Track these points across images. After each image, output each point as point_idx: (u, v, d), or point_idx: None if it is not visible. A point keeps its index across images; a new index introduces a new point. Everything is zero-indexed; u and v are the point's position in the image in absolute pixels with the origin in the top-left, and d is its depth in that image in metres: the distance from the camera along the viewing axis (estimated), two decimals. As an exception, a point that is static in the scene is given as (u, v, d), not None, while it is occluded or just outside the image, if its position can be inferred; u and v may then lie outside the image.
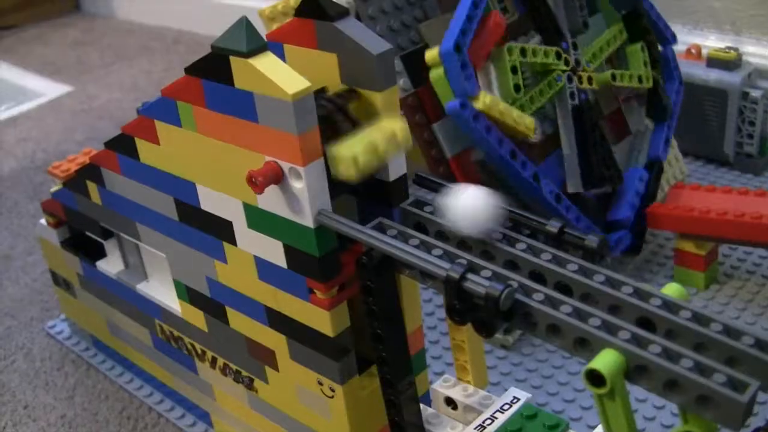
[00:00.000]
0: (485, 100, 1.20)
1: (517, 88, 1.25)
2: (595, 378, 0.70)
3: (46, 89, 2.64)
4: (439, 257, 0.81)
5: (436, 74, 1.20)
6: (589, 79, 1.36)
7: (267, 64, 0.82)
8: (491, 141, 1.21)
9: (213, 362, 1.13)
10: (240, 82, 0.85)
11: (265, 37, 0.88)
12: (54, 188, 1.29)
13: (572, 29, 1.37)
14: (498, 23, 1.25)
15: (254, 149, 0.87)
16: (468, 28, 1.20)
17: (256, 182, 0.83)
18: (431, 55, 1.20)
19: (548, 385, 1.24)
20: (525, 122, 1.24)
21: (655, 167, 1.48)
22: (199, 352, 1.15)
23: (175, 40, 2.94)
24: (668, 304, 0.75)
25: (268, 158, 0.85)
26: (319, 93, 0.89)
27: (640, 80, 1.45)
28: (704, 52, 1.74)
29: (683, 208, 1.37)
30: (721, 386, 0.66)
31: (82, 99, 2.54)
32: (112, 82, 2.64)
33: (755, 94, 1.66)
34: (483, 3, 1.22)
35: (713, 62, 1.69)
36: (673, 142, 1.60)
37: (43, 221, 1.37)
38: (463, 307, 0.77)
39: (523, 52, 1.27)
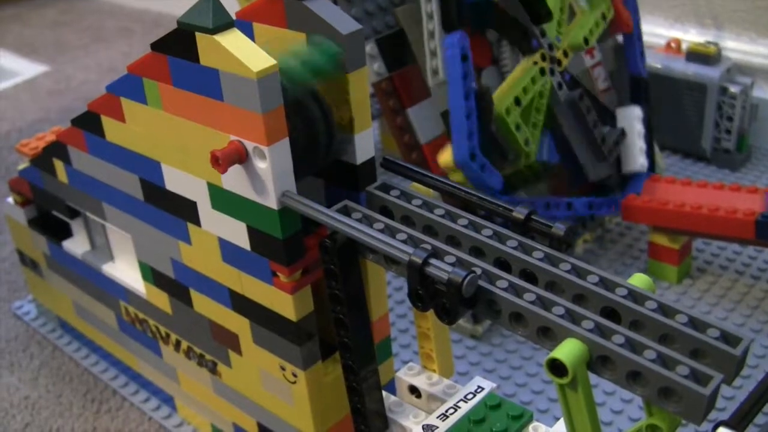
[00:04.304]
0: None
1: (526, 142, 1.24)
2: (557, 368, 0.69)
3: (23, 69, 2.60)
4: (403, 242, 0.80)
5: (457, 177, 1.20)
6: (565, 53, 1.33)
7: (232, 41, 0.80)
8: None
9: (177, 345, 1.12)
10: (205, 59, 0.83)
11: (235, 15, 0.86)
12: (21, 166, 1.27)
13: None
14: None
15: (219, 128, 0.85)
16: (472, 128, 1.18)
17: (219, 161, 0.81)
18: (446, 160, 1.19)
19: (517, 376, 1.23)
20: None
21: (641, 86, 1.47)
22: (164, 335, 1.13)
23: (155, 23, 2.91)
24: (634, 295, 0.74)
25: (232, 137, 0.84)
26: None
27: (604, 17, 1.40)
28: (684, 46, 1.73)
29: (658, 201, 1.36)
30: (683, 378, 0.65)
31: (59, 79, 2.51)
32: (90, 64, 2.61)
33: (734, 89, 1.66)
34: (472, 94, 1.20)
35: (693, 56, 1.69)
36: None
37: (10, 200, 1.35)
38: (425, 293, 0.76)
39: (517, 101, 1.24)
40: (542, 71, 1.28)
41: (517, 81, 1.25)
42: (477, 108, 1.21)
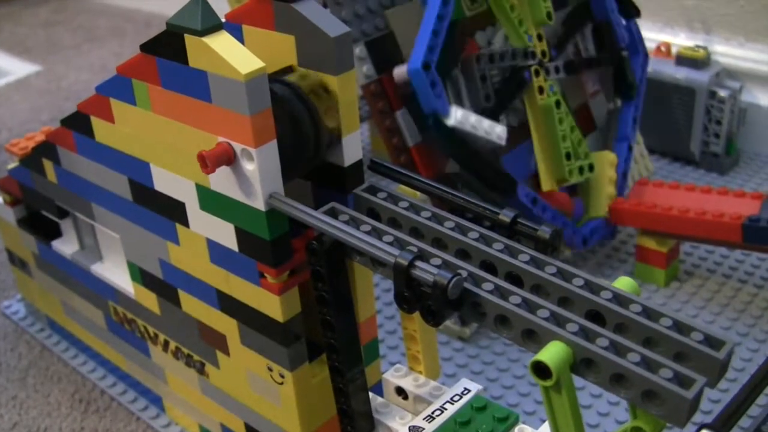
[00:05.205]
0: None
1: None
2: (541, 370, 0.70)
3: (14, 68, 2.60)
4: (390, 244, 0.80)
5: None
6: (556, 69, 1.35)
7: (221, 43, 0.81)
8: None
9: (165, 346, 1.12)
10: (194, 60, 0.83)
11: (224, 18, 0.86)
12: (11, 166, 1.27)
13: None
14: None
15: (207, 130, 0.85)
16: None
17: (207, 163, 0.82)
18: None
19: (504, 378, 1.24)
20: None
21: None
22: (152, 335, 1.13)
23: (146, 23, 2.91)
24: (619, 298, 0.74)
25: (221, 139, 0.84)
26: None
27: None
28: (674, 50, 1.74)
29: (646, 204, 1.37)
30: (666, 381, 0.66)
31: (50, 79, 2.50)
32: (82, 64, 2.61)
33: (723, 93, 1.66)
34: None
35: (682, 60, 1.70)
36: (640, 139, 1.60)
37: (-1, 199, 1.35)
38: (411, 295, 0.76)
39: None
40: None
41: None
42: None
